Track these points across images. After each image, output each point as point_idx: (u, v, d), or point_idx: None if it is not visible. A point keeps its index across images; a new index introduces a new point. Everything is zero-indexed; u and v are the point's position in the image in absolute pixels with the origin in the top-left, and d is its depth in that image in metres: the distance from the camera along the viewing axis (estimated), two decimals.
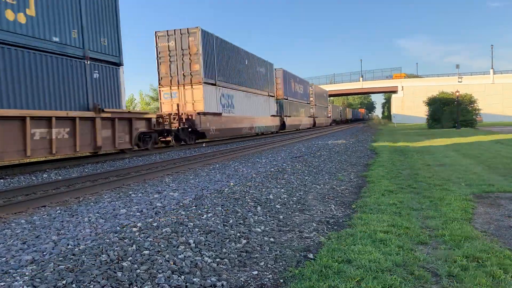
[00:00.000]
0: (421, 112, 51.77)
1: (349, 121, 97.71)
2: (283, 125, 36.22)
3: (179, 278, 3.29)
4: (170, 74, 21.04)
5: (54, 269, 3.22)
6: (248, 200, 6.09)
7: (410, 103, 72.50)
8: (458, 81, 68.42)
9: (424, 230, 4.73)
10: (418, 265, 3.63)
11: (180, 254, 3.73)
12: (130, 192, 7.12)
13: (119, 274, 3.20)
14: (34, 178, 9.43)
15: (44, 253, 3.83)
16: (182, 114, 19.58)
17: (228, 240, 4.30)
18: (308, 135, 29.46)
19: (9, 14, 10.10)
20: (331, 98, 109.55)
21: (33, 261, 3.60)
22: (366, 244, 4.16)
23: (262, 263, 3.82)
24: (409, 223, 4.97)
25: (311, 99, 50.51)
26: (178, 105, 19.97)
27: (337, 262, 3.68)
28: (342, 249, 4.05)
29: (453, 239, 4.31)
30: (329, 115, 65.79)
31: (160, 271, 3.35)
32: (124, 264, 3.37)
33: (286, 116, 37.05)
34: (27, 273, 3.20)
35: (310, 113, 49.74)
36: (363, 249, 4.01)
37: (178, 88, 21.02)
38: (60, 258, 3.50)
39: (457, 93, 39.85)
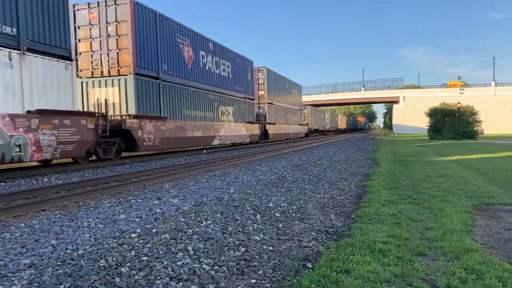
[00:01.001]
0: (422, 123, 51.84)
1: (341, 131, 79.56)
2: (131, 143, 14.57)
3: (177, 285, 3.29)
4: None
5: (52, 274, 3.22)
6: (248, 208, 6.09)
7: (412, 113, 72.62)
8: (460, 93, 68.58)
9: (423, 242, 4.72)
10: (417, 277, 3.62)
11: (178, 261, 3.72)
12: (130, 198, 7.12)
13: (117, 279, 3.19)
14: (34, 181, 9.44)
15: (43, 257, 3.83)
16: None
17: (227, 247, 4.30)
18: None
19: None
20: (333, 107, 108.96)
21: (32, 265, 3.60)
22: (365, 255, 4.15)
23: (260, 272, 3.82)
24: (409, 234, 4.96)
25: (261, 92, 29.86)
26: None
27: (335, 272, 3.68)
28: (341, 259, 4.05)
29: (452, 251, 4.31)
30: (306, 121, 46.88)
31: (158, 277, 3.34)
32: (123, 269, 3.37)
33: (145, 119, 15.00)
34: (25, 277, 3.20)
35: (256, 116, 28.86)
36: (362, 259, 4.00)
37: None
38: (58, 263, 3.50)
39: (459, 105, 39.97)
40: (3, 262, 3.69)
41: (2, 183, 9.07)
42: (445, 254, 4.26)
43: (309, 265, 4.01)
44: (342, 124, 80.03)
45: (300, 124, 42.34)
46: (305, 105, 49.05)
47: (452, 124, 41.36)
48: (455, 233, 5.00)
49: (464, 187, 8.67)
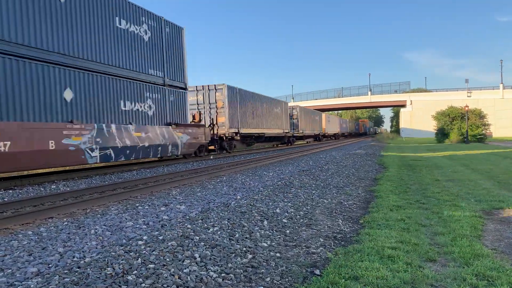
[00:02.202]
0: (430, 126, 51.56)
1: (331, 137, 57.34)
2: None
3: None
4: None
5: (59, 282, 3.22)
6: (255, 214, 6.06)
7: (419, 117, 72.12)
8: (467, 96, 68.07)
9: (433, 247, 4.66)
10: (427, 283, 3.57)
11: (185, 268, 3.70)
12: (137, 205, 7.13)
13: None
14: (42, 189, 9.49)
15: (50, 265, 3.83)
16: None
17: (234, 254, 4.27)
18: None
19: None
20: (339, 112, 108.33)
21: (39, 273, 3.59)
22: (373, 261, 4.10)
23: (268, 279, 3.78)
24: (418, 240, 4.90)
25: None
26: None
27: (344, 279, 3.63)
28: (349, 265, 4.00)
29: (463, 256, 4.24)
30: (224, 118, 23.01)
31: (165, 285, 3.32)
32: (129, 277, 3.35)
33: None
34: (32, 286, 3.20)
35: None
36: (370, 265, 3.95)
37: None
38: (65, 271, 3.50)
39: (466, 108, 39.66)
40: (10, 270, 3.69)
41: (10, 191, 9.13)
42: (455, 259, 4.20)
43: (317, 271, 3.96)
44: (332, 127, 54.91)
45: (173, 124, 16.86)
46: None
47: (460, 127, 41.05)
48: (465, 238, 4.93)
49: (473, 191, 8.57)
